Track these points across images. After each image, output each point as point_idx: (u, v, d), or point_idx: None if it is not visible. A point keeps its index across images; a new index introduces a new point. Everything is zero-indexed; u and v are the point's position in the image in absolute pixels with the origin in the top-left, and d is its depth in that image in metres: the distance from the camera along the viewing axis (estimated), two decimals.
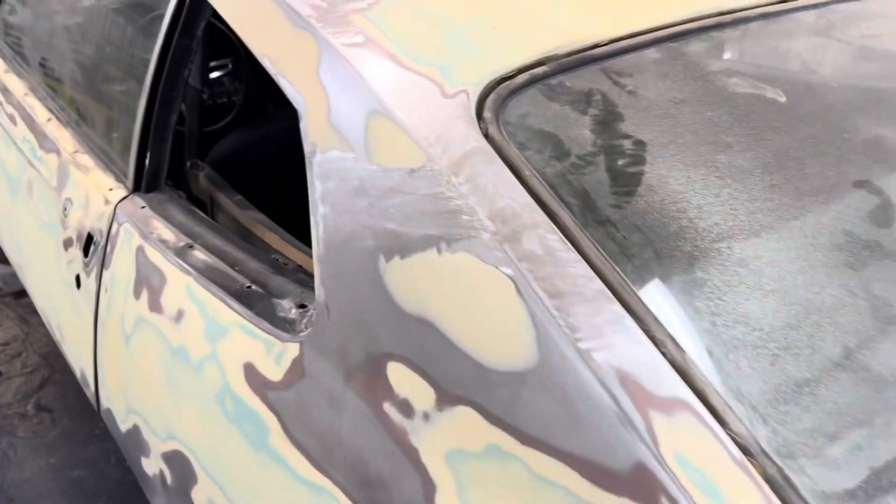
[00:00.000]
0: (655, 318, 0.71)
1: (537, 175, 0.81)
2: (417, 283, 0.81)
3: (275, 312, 1.01)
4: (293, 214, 1.33)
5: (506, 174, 0.80)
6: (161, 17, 1.32)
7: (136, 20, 1.48)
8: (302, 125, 0.95)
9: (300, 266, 1.14)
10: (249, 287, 1.07)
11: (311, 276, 1.02)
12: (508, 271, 0.74)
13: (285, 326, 0.98)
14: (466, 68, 0.91)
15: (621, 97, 0.92)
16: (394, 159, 0.85)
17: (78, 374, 1.53)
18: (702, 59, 1.01)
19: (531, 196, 0.78)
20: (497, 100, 0.88)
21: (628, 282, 0.73)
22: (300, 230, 1.18)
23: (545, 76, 0.91)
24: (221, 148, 1.77)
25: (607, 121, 0.89)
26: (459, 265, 0.77)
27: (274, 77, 1.00)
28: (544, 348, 0.70)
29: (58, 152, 1.61)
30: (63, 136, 1.64)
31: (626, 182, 0.83)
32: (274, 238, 1.25)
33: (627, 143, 0.87)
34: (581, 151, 0.85)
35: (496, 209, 0.77)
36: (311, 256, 0.98)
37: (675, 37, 1.01)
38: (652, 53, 0.99)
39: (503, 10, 1.01)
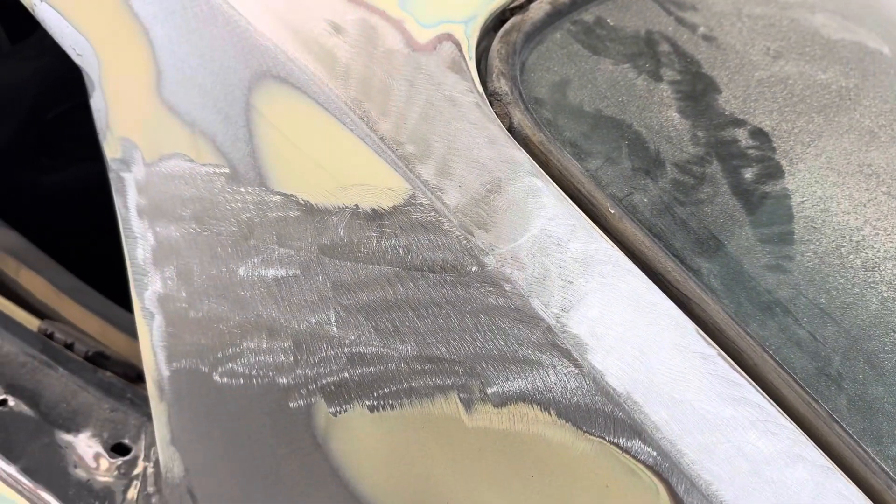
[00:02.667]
0: None
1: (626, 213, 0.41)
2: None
3: (61, 467, 0.52)
4: (69, 214, 0.83)
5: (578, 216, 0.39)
6: None
7: None
8: (94, 100, 0.46)
9: (99, 343, 0.63)
10: (2, 402, 0.56)
11: (125, 369, 0.56)
12: None
13: (87, 501, 0.50)
14: None
15: (700, 49, 0.52)
16: (325, 185, 0.40)
17: None
18: None
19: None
20: (509, 53, 0.45)
21: None
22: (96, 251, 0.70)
23: (574, 5, 0.50)
24: None
25: (698, 94, 0.49)
26: None
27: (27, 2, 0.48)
28: None
29: None
30: None
31: (764, 208, 0.45)
32: (38, 282, 0.70)
33: (743, 137, 0.48)
34: (680, 157, 0.45)
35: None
36: (111, 316, 0.52)
37: None
38: None
39: None
